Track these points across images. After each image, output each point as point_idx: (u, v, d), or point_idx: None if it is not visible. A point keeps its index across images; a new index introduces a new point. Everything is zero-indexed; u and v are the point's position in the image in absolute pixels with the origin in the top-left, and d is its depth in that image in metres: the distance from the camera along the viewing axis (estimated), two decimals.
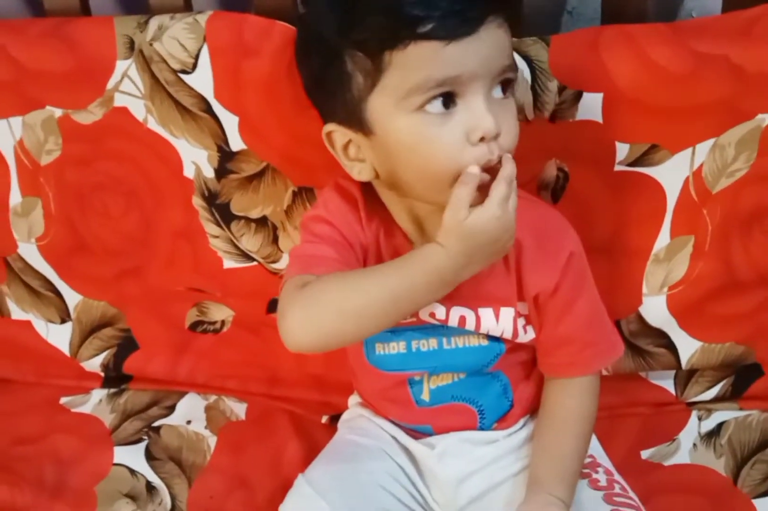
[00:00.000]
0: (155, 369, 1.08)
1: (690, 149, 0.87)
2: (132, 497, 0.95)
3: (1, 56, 0.93)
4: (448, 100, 0.69)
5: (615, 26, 0.86)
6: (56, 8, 0.97)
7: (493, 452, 0.85)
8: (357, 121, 0.72)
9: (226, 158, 0.93)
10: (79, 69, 0.91)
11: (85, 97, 0.93)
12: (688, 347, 0.97)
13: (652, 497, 0.86)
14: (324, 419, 1.02)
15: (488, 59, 0.69)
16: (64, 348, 1.10)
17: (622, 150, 0.87)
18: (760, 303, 0.94)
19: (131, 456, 0.99)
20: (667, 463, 0.94)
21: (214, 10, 0.90)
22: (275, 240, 0.97)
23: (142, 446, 1.01)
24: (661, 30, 0.85)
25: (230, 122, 0.91)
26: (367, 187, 0.80)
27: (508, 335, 0.81)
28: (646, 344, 0.97)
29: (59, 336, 1.09)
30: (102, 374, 1.10)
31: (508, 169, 0.69)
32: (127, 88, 0.91)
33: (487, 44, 0.68)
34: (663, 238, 0.91)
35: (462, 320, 0.80)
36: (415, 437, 0.86)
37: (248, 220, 0.96)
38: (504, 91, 0.71)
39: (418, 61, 0.67)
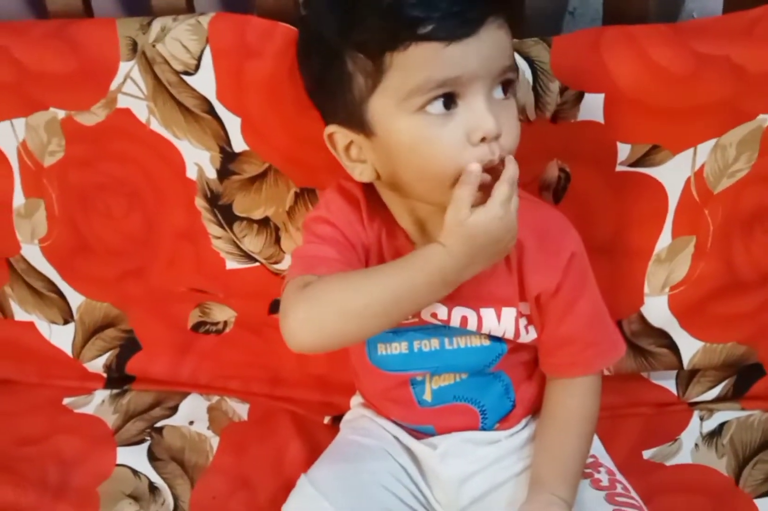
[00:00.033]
0: (158, 370, 1.08)
1: (691, 150, 0.87)
2: (135, 497, 0.95)
3: (4, 58, 0.93)
4: (449, 100, 0.69)
5: (616, 27, 0.86)
6: (59, 10, 0.97)
7: (495, 453, 0.85)
8: (358, 123, 0.72)
9: (228, 159, 0.93)
10: (82, 70, 0.92)
11: (88, 98, 0.93)
12: (689, 347, 0.97)
13: (654, 497, 0.86)
14: (326, 420, 1.02)
15: (489, 60, 0.69)
16: (67, 349, 1.10)
17: (624, 150, 0.88)
18: (761, 303, 0.94)
19: (134, 457, 0.99)
20: (668, 463, 0.94)
21: (216, 11, 0.90)
22: (277, 241, 0.97)
23: (145, 446, 1.01)
24: (663, 31, 0.85)
25: (233, 123, 0.91)
26: (368, 188, 0.80)
27: (509, 335, 0.81)
28: (648, 344, 0.97)
29: (62, 337, 1.10)
30: (105, 375, 1.10)
31: (511, 170, 0.69)
32: (130, 89, 0.92)
33: (488, 45, 0.68)
34: (664, 239, 0.92)
35: (464, 320, 0.80)
36: (417, 438, 0.87)
37: (250, 221, 0.96)
38: (505, 91, 0.71)
39: (419, 62, 0.67)
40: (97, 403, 1.08)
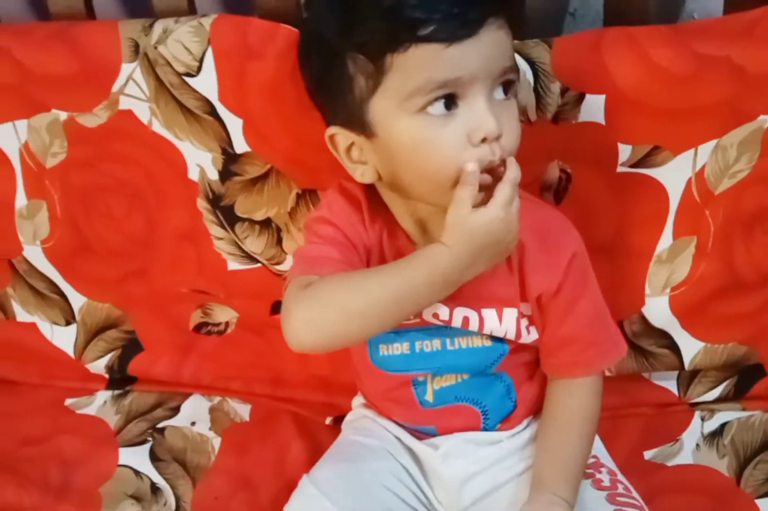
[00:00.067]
0: (160, 371, 1.08)
1: (692, 150, 0.87)
2: (137, 498, 0.95)
3: (7, 60, 0.93)
4: (450, 101, 0.69)
5: (617, 28, 0.86)
6: (61, 12, 0.98)
7: (497, 453, 0.85)
8: (359, 124, 0.72)
9: (230, 161, 0.93)
10: (84, 72, 0.92)
11: (90, 100, 0.93)
12: (690, 347, 0.97)
13: (656, 498, 0.85)
14: (328, 420, 1.02)
15: (489, 61, 0.69)
16: (69, 350, 1.10)
17: (625, 151, 0.88)
18: (762, 303, 0.95)
19: (136, 457, 1.00)
20: (670, 463, 0.94)
21: (218, 13, 0.91)
22: (279, 242, 0.97)
23: (147, 447, 1.01)
24: (663, 32, 0.85)
25: (234, 125, 0.91)
26: (370, 189, 0.80)
27: (511, 335, 0.81)
28: (649, 344, 0.97)
29: (64, 338, 1.10)
30: (107, 376, 1.10)
31: (514, 171, 0.70)
32: (132, 91, 0.92)
33: (488, 46, 0.68)
34: (665, 239, 0.92)
35: (465, 320, 0.80)
36: (419, 438, 0.87)
37: (252, 222, 0.97)
38: (506, 92, 0.71)
39: (419, 64, 0.68)
40: (99, 404, 1.08)
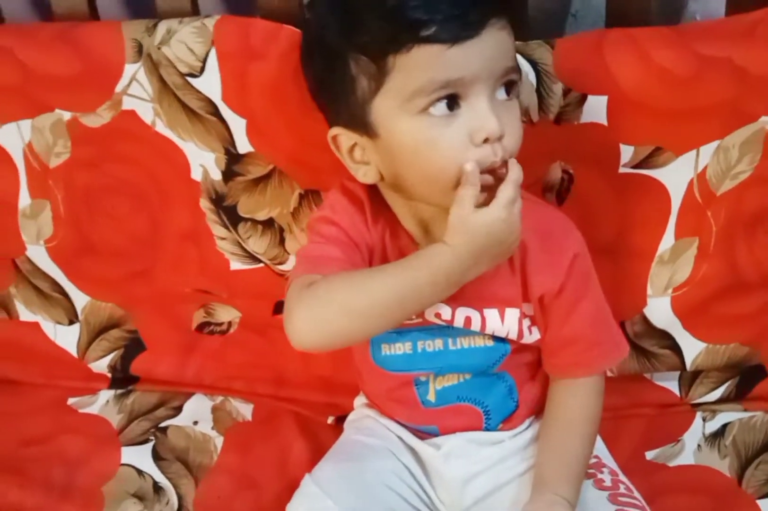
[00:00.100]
0: (162, 370, 1.08)
1: (694, 151, 0.87)
2: (139, 497, 0.95)
3: (10, 60, 0.93)
4: (452, 102, 0.69)
5: (619, 29, 0.86)
6: (64, 13, 0.98)
7: (499, 453, 0.85)
8: (361, 124, 0.72)
9: (233, 161, 0.94)
10: (88, 73, 0.92)
11: (94, 100, 0.94)
12: (692, 348, 0.97)
13: (657, 498, 0.86)
14: (330, 420, 1.02)
15: (491, 61, 0.69)
16: (72, 349, 1.10)
17: (627, 152, 0.88)
18: (764, 304, 0.95)
19: (138, 457, 1.00)
20: (671, 464, 0.95)
21: (221, 14, 0.91)
22: (282, 242, 0.97)
23: (149, 446, 1.01)
24: (665, 33, 0.85)
25: (237, 125, 0.91)
26: (372, 189, 0.80)
27: (513, 335, 0.81)
28: (651, 345, 0.97)
29: (67, 337, 1.10)
30: (109, 375, 1.10)
31: (516, 172, 0.70)
32: (136, 91, 0.92)
33: (490, 46, 0.69)
34: (667, 240, 0.92)
35: (467, 320, 0.80)
36: (421, 438, 0.87)
37: (255, 222, 0.97)
38: (508, 92, 0.72)
39: (422, 64, 0.68)
40: (101, 403, 1.08)
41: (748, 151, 0.87)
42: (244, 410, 1.05)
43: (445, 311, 0.80)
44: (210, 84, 0.90)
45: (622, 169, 0.89)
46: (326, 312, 0.70)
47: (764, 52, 0.83)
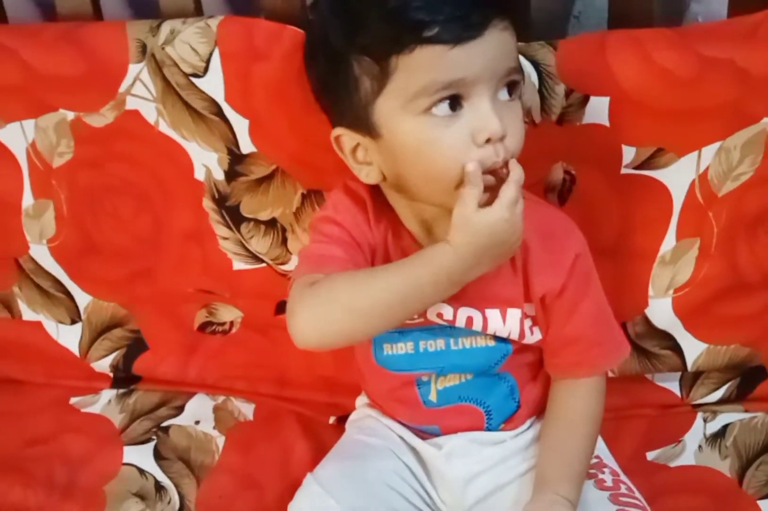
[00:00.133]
0: (164, 370, 1.08)
1: (696, 152, 0.88)
2: (141, 496, 0.95)
3: (14, 60, 0.94)
4: (455, 102, 0.69)
5: (621, 31, 0.86)
6: (68, 13, 0.98)
7: (500, 453, 0.85)
8: (364, 125, 0.73)
9: (236, 161, 0.94)
10: (92, 73, 0.92)
11: (97, 100, 0.94)
12: (693, 349, 0.97)
13: (658, 498, 0.86)
14: (331, 420, 1.02)
15: (493, 62, 0.69)
16: (74, 349, 1.10)
17: (629, 153, 0.88)
18: (765, 305, 0.95)
19: (140, 456, 1.00)
20: (672, 464, 0.95)
21: (224, 14, 0.91)
22: (284, 242, 0.98)
23: (151, 446, 1.01)
24: (667, 34, 0.85)
25: (241, 125, 0.91)
26: (375, 190, 0.80)
27: (514, 335, 0.81)
28: (652, 346, 0.98)
29: (69, 337, 1.10)
30: (111, 375, 1.11)
31: (517, 172, 0.70)
32: (139, 91, 0.92)
33: (492, 46, 0.69)
34: (669, 241, 0.92)
35: (469, 320, 0.80)
36: (423, 438, 0.87)
37: (258, 222, 0.97)
38: (510, 93, 0.72)
39: (424, 65, 0.68)
40: (103, 402, 1.08)
41: (749, 152, 0.87)
42: (246, 409, 1.05)
43: (447, 311, 0.80)
44: (213, 84, 0.90)
45: (624, 170, 0.89)
46: (328, 311, 0.71)
47: (766, 53, 0.83)
